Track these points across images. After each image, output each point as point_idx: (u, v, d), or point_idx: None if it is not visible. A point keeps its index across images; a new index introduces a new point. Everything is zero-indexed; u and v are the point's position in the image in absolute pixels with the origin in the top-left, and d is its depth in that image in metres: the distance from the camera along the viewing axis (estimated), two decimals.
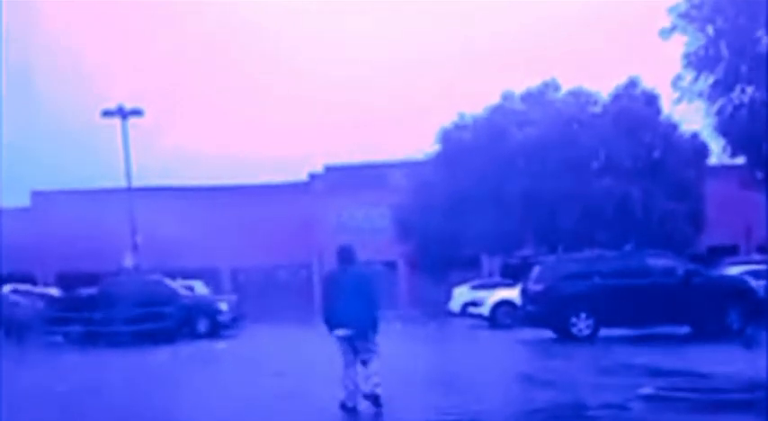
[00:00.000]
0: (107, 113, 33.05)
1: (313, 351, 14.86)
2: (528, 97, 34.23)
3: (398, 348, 14.64)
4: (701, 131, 28.72)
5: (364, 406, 9.80)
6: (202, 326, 24.46)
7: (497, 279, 33.26)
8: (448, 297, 31.72)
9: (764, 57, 22.06)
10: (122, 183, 33.60)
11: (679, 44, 24.03)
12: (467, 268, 36.83)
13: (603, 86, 33.20)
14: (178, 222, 35.57)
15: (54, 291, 29.79)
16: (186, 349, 21.22)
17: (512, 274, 28.88)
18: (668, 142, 32.33)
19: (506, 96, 34.48)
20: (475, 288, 30.34)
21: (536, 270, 20.65)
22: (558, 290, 19.46)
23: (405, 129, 56.88)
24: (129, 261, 32.08)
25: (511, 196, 30.98)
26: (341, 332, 9.87)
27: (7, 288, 26.91)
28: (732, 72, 23.10)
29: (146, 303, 23.85)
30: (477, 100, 41.62)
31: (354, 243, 10.46)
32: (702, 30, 23.52)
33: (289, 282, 44.14)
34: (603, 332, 19.04)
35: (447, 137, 34.91)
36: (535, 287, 20.24)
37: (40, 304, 25.92)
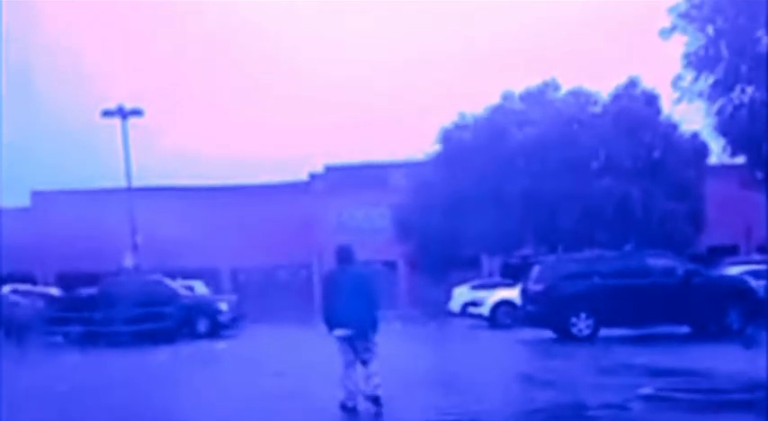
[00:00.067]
0: (107, 113, 33.07)
1: (313, 351, 14.86)
2: (528, 97, 34.23)
3: (398, 348, 14.65)
4: (701, 131, 28.74)
5: (364, 406, 9.81)
6: (202, 326, 24.47)
7: (497, 279, 33.27)
8: (448, 297, 31.72)
9: (764, 57, 22.05)
10: (122, 184, 33.62)
11: (679, 44, 24.05)
12: (467, 268, 36.83)
13: (603, 86, 33.25)
14: (178, 222, 35.57)
15: (54, 291, 29.80)
16: (186, 349, 21.22)
17: (512, 274, 28.89)
18: (668, 142, 32.33)
19: (506, 96, 34.48)
20: (475, 288, 30.34)
21: (536, 270, 20.65)
22: (558, 290, 19.46)
23: (405, 129, 56.92)
24: (129, 261, 32.09)
25: (511, 196, 30.98)
26: (340, 332, 9.88)
27: (7, 288, 26.91)
28: (732, 72, 23.09)
29: (146, 303, 23.86)
30: (477, 100, 41.68)
31: (354, 243, 10.47)
32: (702, 30, 23.52)
33: (289, 282, 44.14)
34: (603, 332, 19.04)
35: (447, 137, 34.92)
36: (535, 287, 20.24)
37: (40, 304, 25.92)
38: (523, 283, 21.59)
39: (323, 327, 10.12)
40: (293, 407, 10.61)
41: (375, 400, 9.81)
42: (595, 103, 33.32)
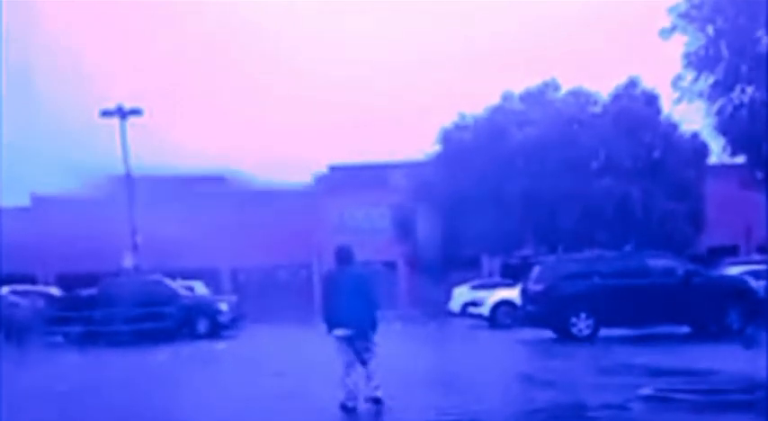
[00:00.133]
0: (106, 113, 33.07)
1: (313, 351, 14.85)
2: (528, 97, 34.22)
3: (398, 348, 14.66)
4: (701, 131, 28.74)
5: (364, 406, 9.81)
6: (202, 326, 24.48)
7: (497, 279, 33.29)
8: (448, 297, 31.72)
9: (764, 57, 22.05)
10: (122, 184, 33.61)
11: (679, 44, 24.06)
12: (467, 268, 36.81)
13: (603, 86, 33.23)
14: (178, 222, 35.53)
15: (54, 291, 29.80)
16: (186, 349, 21.22)
17: (512, 274, 28.90)
18: (668, 142, 32.32)
19: (506, 96, 34.46)
20: (475, 288, 30.35)
21: (536, 270, 20.65)
22: (558, 290, 19.46)
23: (405, 130, 56.80)
24: (128, 261, 32.10)
25: (511, 196, 30.97)
26: (340, 332, 9.88)
27: (6, 289, 26.92)
28: (732, 72, 23.09)
29: (146, 303, 23.88)
30: (477, 100, 41.51)
31: (354, 243, 10.49)
32: (702, 30, 23.52)
33: (289, 282, 44.11)
34: (603, 332, 19.04)
35: (447, 137, 34.90)
36: (535, 287, 20.24)
37: (40, 303, 25.93)
38: (523, 283, 21.59)
39: (323, 327, 10.13)
40: (293, 407, 10.61)
41: (375, 400, 9.81)
42: (595, 103, 33.31)
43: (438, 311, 32.23)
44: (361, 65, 63.64)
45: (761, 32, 22.44)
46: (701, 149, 30.92)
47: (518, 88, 34.57)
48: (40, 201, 42.49)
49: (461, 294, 30.76)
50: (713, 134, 25.41)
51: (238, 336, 24.96)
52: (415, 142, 57.69)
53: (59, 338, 23.80)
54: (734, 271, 23.33)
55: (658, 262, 20.10)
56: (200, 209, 39.66)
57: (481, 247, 35.64)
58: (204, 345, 22.06)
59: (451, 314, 30.70)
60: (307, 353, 16.99)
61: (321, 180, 44.74)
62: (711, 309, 18.96)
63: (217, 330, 24.66)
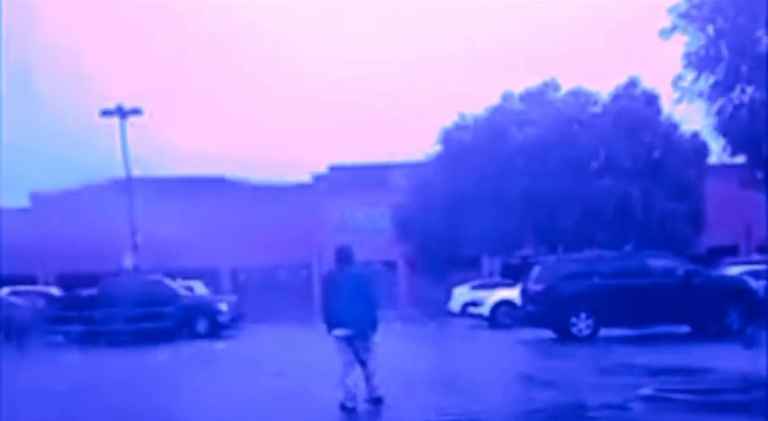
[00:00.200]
0: (106, 113, 33.07)
1: (313, 351, 14.85)
2: (528, 97, 34.23)
3: (398, 348, 14.64)
4: (701, 131, 28.74)
5: (364, 406, 9.81)
6: (202, 326, 24.47)
7: (497, 279, 33.27)
8: (448, 297, 31.71)
9: (764, 57, 22.05)
10: (122, 183, 33.62)
11: (679, 44, 24.06)
12: (467, 268, 36.82)
13: (603, 86, 33.26)
14: (178, 222, 35.53)
15: (54, 291, 29.80)
16: (186, 349, 21.22)
17: (512, 274, 28.88)
18: (668, 142, 32.33)
19: (506, 96, 34.48)
20: (475, 288, 30.33)
21: (536, 270, 20.65)
22: (558, 290, 19.46)
23: (405, 130, 56.81)
24: (128, 261, 32.10)
25: (511, 196, 30.98)
26: (340, 332, 9.88)
27: (6, 290, 26.92)
28: (732, 72, 23.09)
29: (146, 303, 23.88)
30: (477, 100, 41.61)
31: (354, 243, 10.49)
32: (702, 30, 23.52)
33: (289, 282, 44.11)
34: (603, 332, 19.04)
35: (447, 137, 34.92)
36: (535, 287, 20.24)
37: (40, 304, 25.93)
38: (523, 283, 21.59)
39: (323, 327, 10.13)
40: (293, 407, 10.61)
41: (375, 400, 9.81)
42: (595, 103, 33.33)
43: (438, 311, 32.23)
44: (361, 65, 63.70)
45: (761, 32, 22.44)
46: (701, 149, 30.92)
47: (518, 88, 34.66)
48: (40, 202, 42.49)
49: (461, 294, 30.75)
50: (713, 134, 25.42)
51: (238, 336, 24.96)
52: (416, 142, 57.77)
53: (59, 338, 23.80)
54: (734, 271, 23.33)
55: (658, 262, 20.10)
56: (199, 209, 39.71)
57: (481, 247, 35.65)
58: (204, 345, 22.06)
59: (451, 314, 30.69)
60: (306, 353, 16.99)
61: (321, 180, 44.72)
62: (711, 309, 18.95)
63: (216, 330, 24.66)
